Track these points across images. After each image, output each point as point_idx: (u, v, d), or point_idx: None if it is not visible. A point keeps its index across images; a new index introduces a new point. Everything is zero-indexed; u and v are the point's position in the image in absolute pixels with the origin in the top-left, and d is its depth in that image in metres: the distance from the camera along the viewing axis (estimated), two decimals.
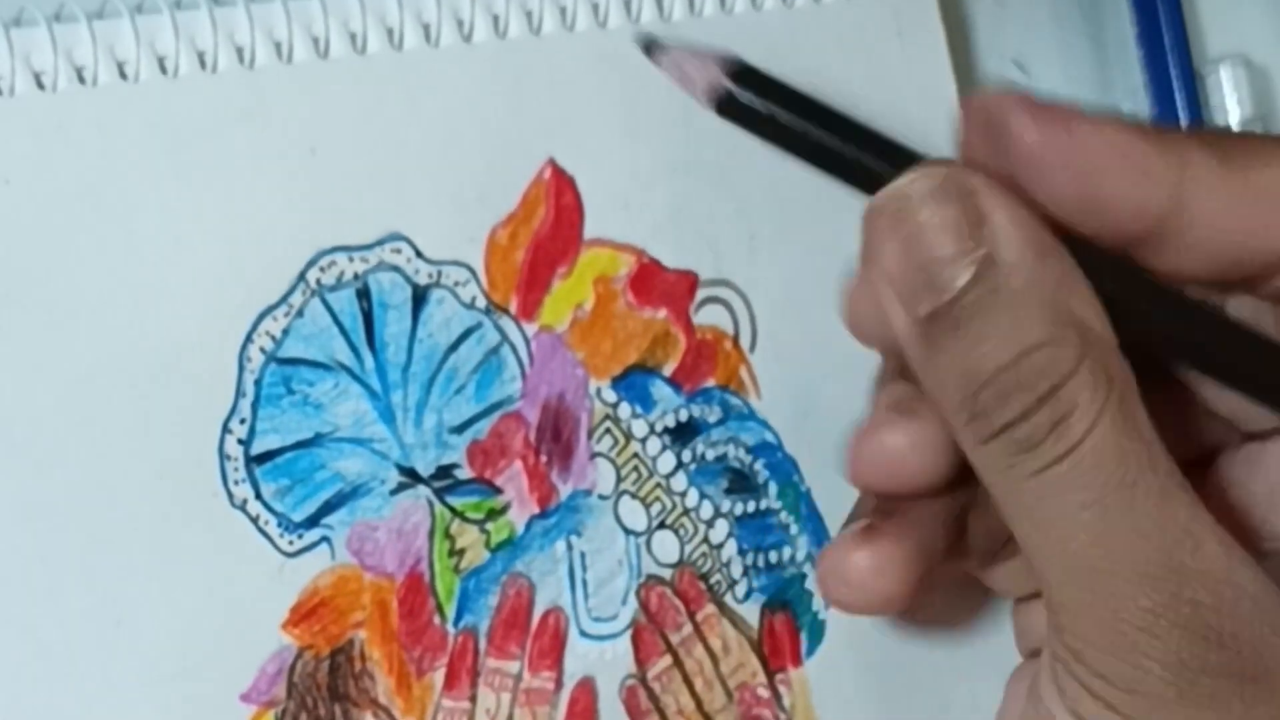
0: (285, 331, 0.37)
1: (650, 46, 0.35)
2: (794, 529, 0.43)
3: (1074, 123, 0.33)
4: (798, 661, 0.42)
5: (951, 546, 0.37)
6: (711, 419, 0.42)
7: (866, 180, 0.34)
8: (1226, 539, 0.31)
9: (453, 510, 0.39)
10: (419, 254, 0.39)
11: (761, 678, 0.42)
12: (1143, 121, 0.37)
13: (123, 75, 0.36)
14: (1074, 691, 0.32)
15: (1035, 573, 0.32)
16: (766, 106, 0.34)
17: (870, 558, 0.36)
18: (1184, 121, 0.48)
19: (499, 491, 0.39)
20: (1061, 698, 0.32)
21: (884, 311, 0.33)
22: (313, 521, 0.37)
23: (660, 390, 0.41)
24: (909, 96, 0.45)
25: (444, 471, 0.38)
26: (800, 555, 0.43)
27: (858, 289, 0.37)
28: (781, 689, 0.42)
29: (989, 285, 0.32)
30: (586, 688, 0.40)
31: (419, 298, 0.39)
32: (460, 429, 0.39)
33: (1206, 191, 0.33)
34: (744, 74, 0.34)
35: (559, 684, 0.39)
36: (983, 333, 0.32)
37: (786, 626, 0.42)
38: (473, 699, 0.38)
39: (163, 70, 0.36)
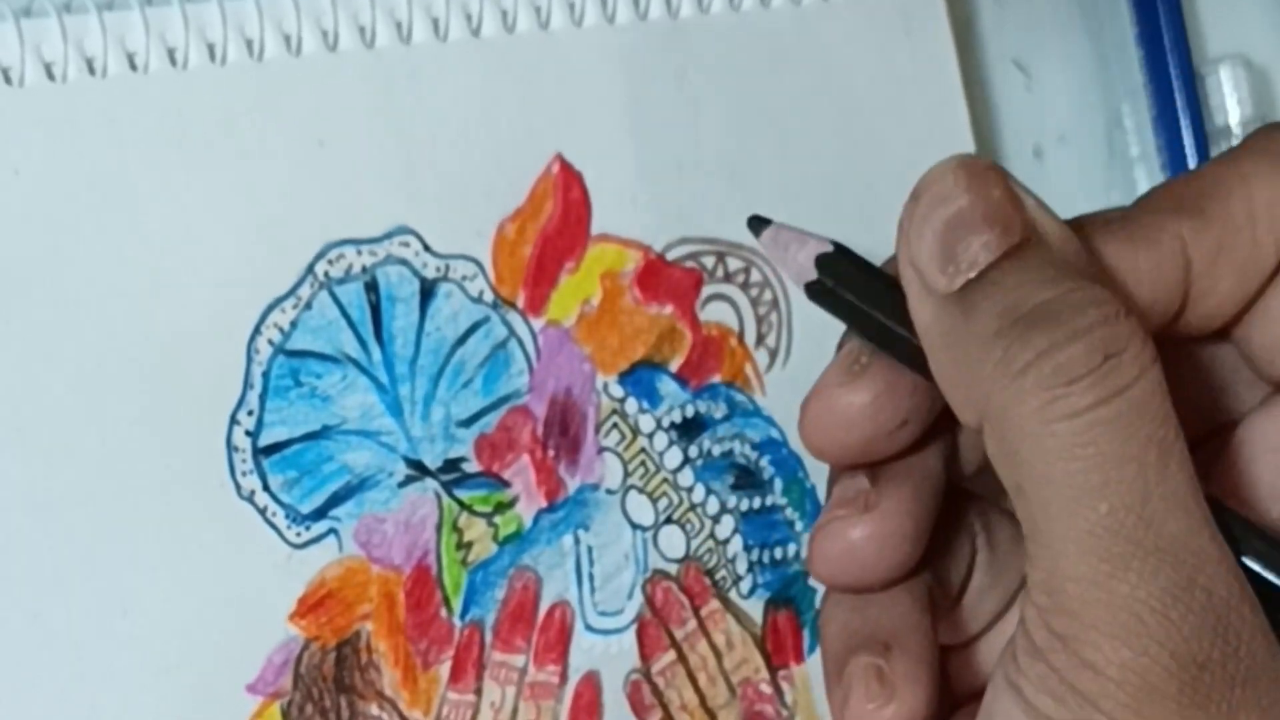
0: (293, 324, 0.37)
1: (756, 223, 0.36)
2: (799, 525, 0.43)
3: None
4: (800, 658, 0.42)
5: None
6: (717, 415, 0.42)
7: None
8: (1225, 549, 0.30)
9: (461, 503, 0.39)
10: (427, 248, 0.39)
11: (764, 674, 0.42)
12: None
13: (132, 66, 0.36)
14: (1047, 687, 0.30)
15: (1036, 546, 0.31)
16: (847, 297, 0.35)
17: (872, 528, 0.35)
18: (1184, 121, 0.48)
19: (507, 485, 0.39)
20: (1023, 698, 0.31)
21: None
22: (320, 513, 0.37)
23: (667, 386, 0.41)
24: (916, 94, 0.45)
25: (452, 464, 0.39)
26: (805, 552, 0.43)
27: (817, 401, 0.37)
28: (784, 685, 0.42)
29: (1028, 248, 0.32)
30: (591, 681, 0.40)
31: (427, 291, 0.39)
32: (468, 422, 0.39)
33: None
34: (832, 261, 0.35)
35: (564, 678, 0.39)
36: (1023, 279, 0.31)
37: (790, 623, 0.43)
38: (478, 692, 0.38)
39: (172, 62, 0.36)
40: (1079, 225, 0.34)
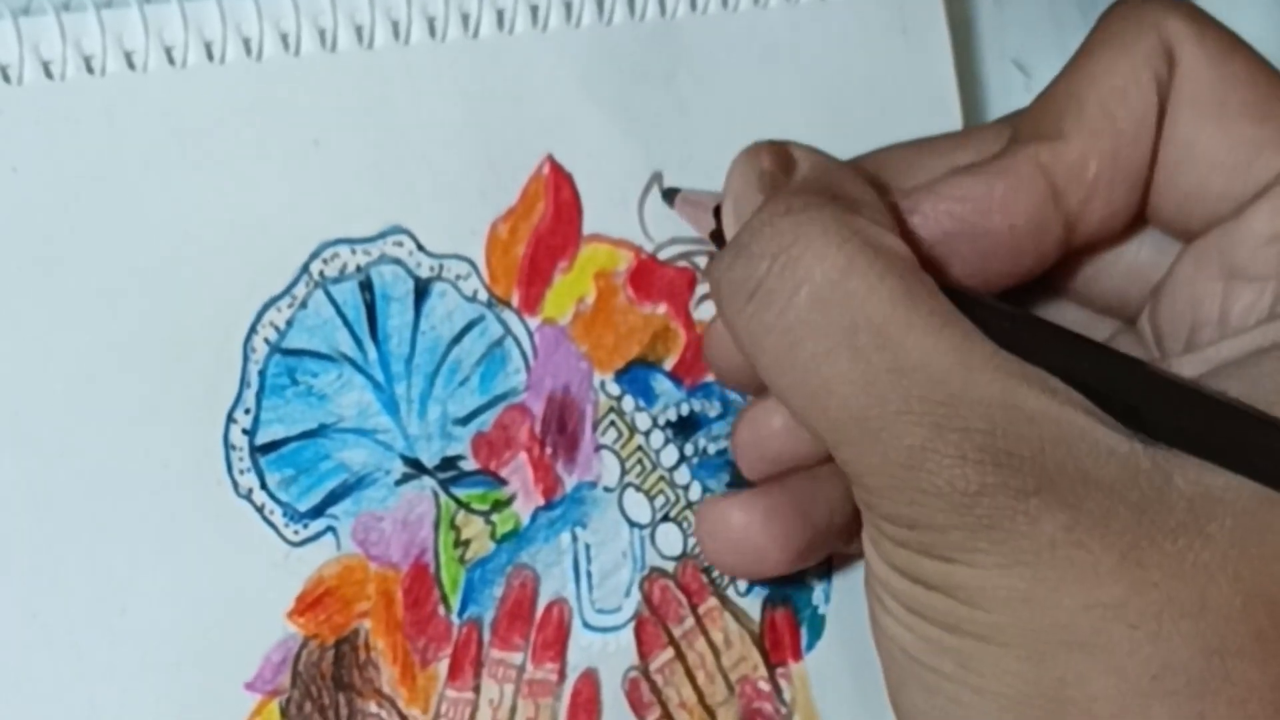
0: (289, 323, 0.37)
1: (669, 194, 0.40)
2: None
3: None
4: (798, 656, 0.43)
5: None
6: (712, 413, 0.42)
7: None
8: (1006, 364, 0.31)
9: (458, 501, 0.39)
10: (420, 247, 0.39)
11: (763, 671, 0.42)
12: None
13: (131, 65, 0.36)
14: (874, 536, 0.33)
15: (813, 437, 0.32)
16: None
17: (747, 516, 0.38)
18: None
19: (504, 483, 0.39)
20: (873, 546, 0.33)
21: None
22: (318, 511, 0.37)
23: (662, 384, 0.42)
24: (912, 94, 0.45)
25: (449, 463, 0.39)
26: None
27: (715, 328, 0.38)
28: (782, 683, 0.42)
29: (772, 196, 0.34)
30: (589, 679, 0.40)
31: (421, 290, 0.39)
32: (464, 421, 0.39)
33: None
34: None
35: (562, 675, 0.39)
36: (749, 221, 0.33)
37: (787, 621, 0.43)
38: (476, 690, 0.38)
39: (170, 61, 0.36)
40: (933, 149, 0.37)
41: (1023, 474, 0.30)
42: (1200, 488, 0.30)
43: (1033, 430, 0.30)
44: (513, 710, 0.39)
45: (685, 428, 0.42)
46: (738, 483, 0.42)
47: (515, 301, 0.40)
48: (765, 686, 0.42)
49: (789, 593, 0.43)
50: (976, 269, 0.35)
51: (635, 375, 0.41)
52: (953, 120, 0.46)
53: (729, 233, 0.35)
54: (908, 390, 0.31)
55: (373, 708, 0.37)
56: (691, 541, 0.41)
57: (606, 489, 0.41)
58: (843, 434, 0.32)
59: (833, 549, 0.41)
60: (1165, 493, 0.30)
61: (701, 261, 0.42)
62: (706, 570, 0.42)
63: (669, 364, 0.42)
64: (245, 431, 0.36)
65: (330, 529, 0.37)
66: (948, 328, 0.31)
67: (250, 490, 0.36)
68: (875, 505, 0.32)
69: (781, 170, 0.35)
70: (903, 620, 0.33)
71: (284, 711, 0.36)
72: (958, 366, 0.31)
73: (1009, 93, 0.49)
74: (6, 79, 0.35)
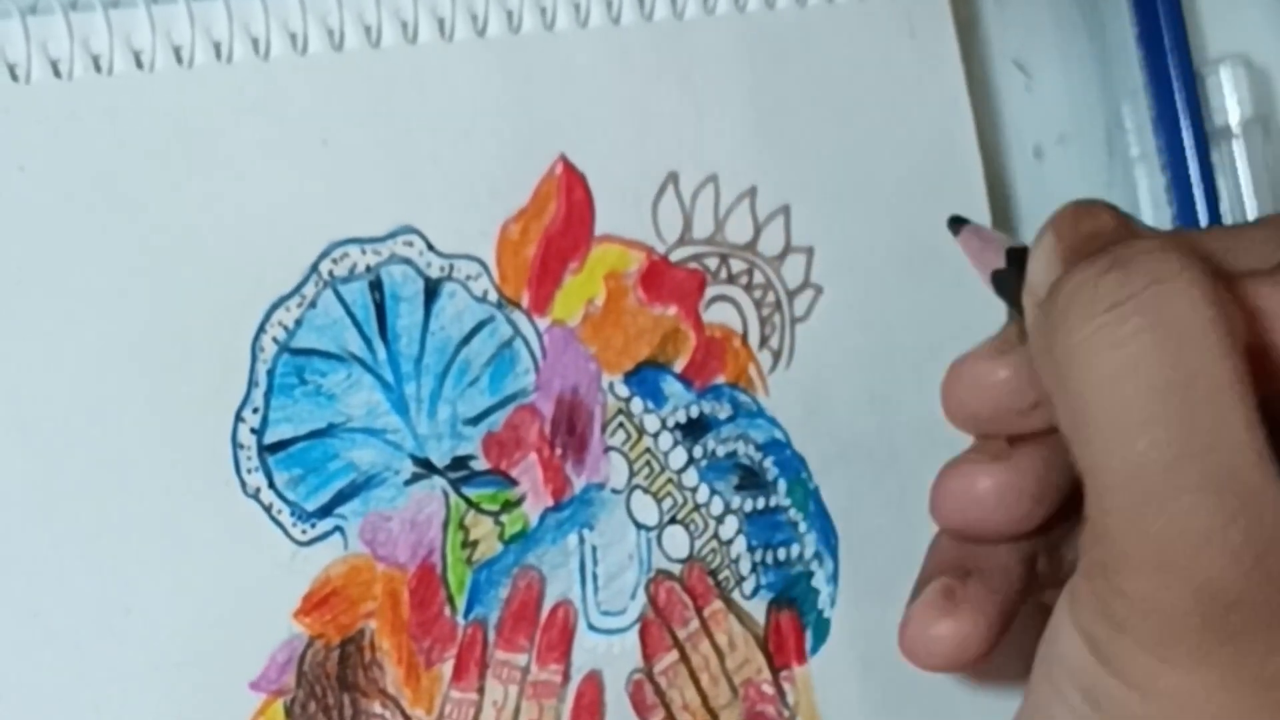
0: (298, 322, 0.37)
1: (955, 222, 0.40)
2: (802, 526, 0.43)
3: None
4: (802, 659, 0.42)
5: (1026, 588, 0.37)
6: (721, 416, 0.42)
7: None
8: None
9: (469, 501, 0.39)
10: (431, 247, 0.39)
11: (766, 674, 0.42)
12: None
13: (138, 64, 0.36)
14: (1090, 607, 0.31)
15: (1088, 478, 0.31)
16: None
17: (954, 629, 0.37)
18: (1184, 122, 0.48)
19: (515, 483, 0.39)
20: (1073, 612, 0.31)
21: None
22: (326, 511, 0.37)
23: (671, 386, 0.41)
24: (921, 96, 0.45)
25: (460, 462, 0.39)
26: (808, 553, 0.43)
27: (960, 365, 0.38)
28: (786, 686, 0.42)
29: None
30: (593, 681, 0.40)
31: (431, 290, 0.39)
32: (474, 421, 0.39)
33: None
34: (1020, 256, 0.37)
35: (566, 677, 0.39)
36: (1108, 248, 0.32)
37: (792, 624, 0.43)
38: (480, 690, 0.38)
39: (178, 60, 0.36)
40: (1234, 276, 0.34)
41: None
42: None
43: None
44: (516, 711, 0.39)
45: (694, 430, 0.42)
46: (744, 486, 0.42)
47: (525, 302, 0.40)
48: (769, 690, 0.42)
49: (794, 596, 0.43)
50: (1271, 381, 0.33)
51: (644, 377, 0.41)
52: (964, 121, 0.45)
53: (1039, 277, 0.34)
54: (1219, 463, 0.30)
55: (377, 708, 0.37)
56: (698, 544, 0.42)
57: (614, 491, 0.40)
58: (1134, 482, 0.30)
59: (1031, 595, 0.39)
60: None
61: (712, 264, 0.42)
62: (713, 573, 0.42)
63: (679, 366, 0.42)
64: (253, 431, 0.36)
65: (338, 529, 0.37)
66: (1260, 428, 0.30)
67: (258, 489, 0.36)
68: (1116, 572, 0.30)
69: (1121, 226, 0.34)
70: (1077, 710, 0.32)
71: (288, 711, 0.36)
72: (1261, 462, 0.30)
73: (1009, 93, 0.49)
74: (14, 78, 0.35)
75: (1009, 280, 0.37)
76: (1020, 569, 0.38)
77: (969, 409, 0.37)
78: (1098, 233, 0.33)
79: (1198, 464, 0.30)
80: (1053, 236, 0.34)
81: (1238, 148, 0.49)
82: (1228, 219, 0.48)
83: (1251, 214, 0.49)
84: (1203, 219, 0.48)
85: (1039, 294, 0.33)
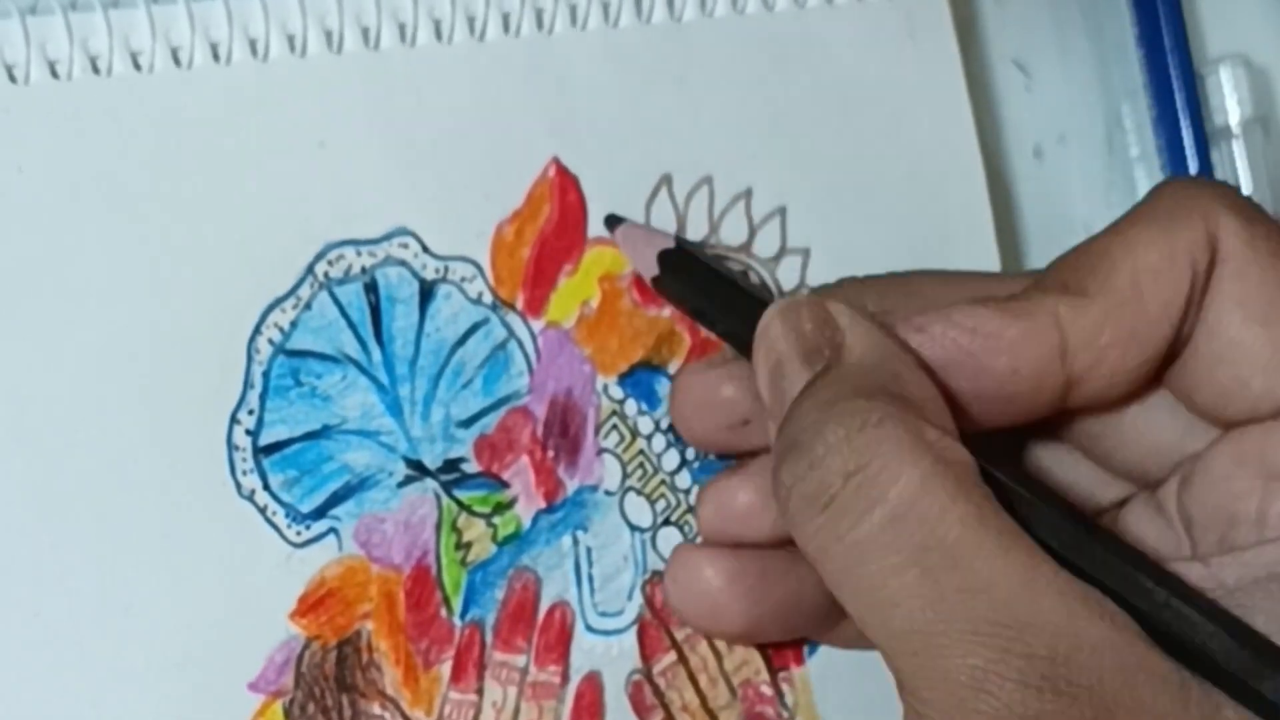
0: (293, 324, 0.37)
1: (610, 221, 0.40)
2: None
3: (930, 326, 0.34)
4: (800, 660, 0.42)
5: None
6: None
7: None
8: (1070, 589, 0.31)
9: (460, 503, 0.39)
10: (426, 249, 0.39)
11: (765, 675, 0.42)
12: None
13: (136, 66, 0.36)
14: None
15: (872, 642, 0.32)
16: (684, 290, 0.39)
17: (712, 571, 0.39)
18: (1184, 121, 0.48)
19: (506, 485, 0.39)
20: None
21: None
22: (320, 513, 0.37)
23: (665, 388, 0.41)
24: (921, 98, 0.45)
25: (451, 465, 0.39)
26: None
27: (675, 380, 0.40)
28: (784, 687, 0.42)
29: (824, 375, 0.33)
30: (592, 682, 0.40)
31: (426, 292, 0.39)
32: (467, 423, 0.39)
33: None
34: (672, 257, 0.39)
35: (565, 678, 0.39)
36: (805, 409, 0.33)
37: None
38: (479, 691, 0.38)
39: (176, 61, 0.36)
40: (958, 289, 0.36)
41: (1080, 703, 0.30)
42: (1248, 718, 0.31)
43: (1093, 659, 0.30)
44: (516, 712, 0.39)
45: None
46: None
47: (520, 304, 0.40)
48: (768, 690, 0.42)
49: None
50: (967, 404, 0.34)
51: (639, 379, 0.41)
52: (964, 122, 0.45)
53: (765, 395, 0.35)
54: (975, 611, 0.30)
55: (377, 709, 0.37)
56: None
57: (608, 492, 0.41)
58: (904, 645, 0.31)
59: (803, 633, 0.41)
60: None
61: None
62: None
63: (673, 368, 0.42)
64: (249, 432, 0.36)
65: (332, 530, 0.37)
66: (1014, 550, 0.31)
67: (253, 491, 0.36)
68: (928, 718, 0.32)
69: (826, 337, 0.34)
70: None
71: (287, 712, 0.36)
72: (1024, 590, 0.31)
73: (1009, 93, 0.49)
74: (13, 78, 0.35)
75: (668, 285, 0.39)
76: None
77: (689, 423, 0.40)
78: (795, 347, 0.35)
79: (955, 618, 0.31)
80: (766, 358, 0.35)
81: (1238, 148, 0.48)
82: None
83: None
84: None
85: (764, 390, 0.35)
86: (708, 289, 0.39)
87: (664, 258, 0.39)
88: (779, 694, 0.42)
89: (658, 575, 0.41)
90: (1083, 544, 0.33)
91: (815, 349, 0.34)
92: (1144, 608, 0.32)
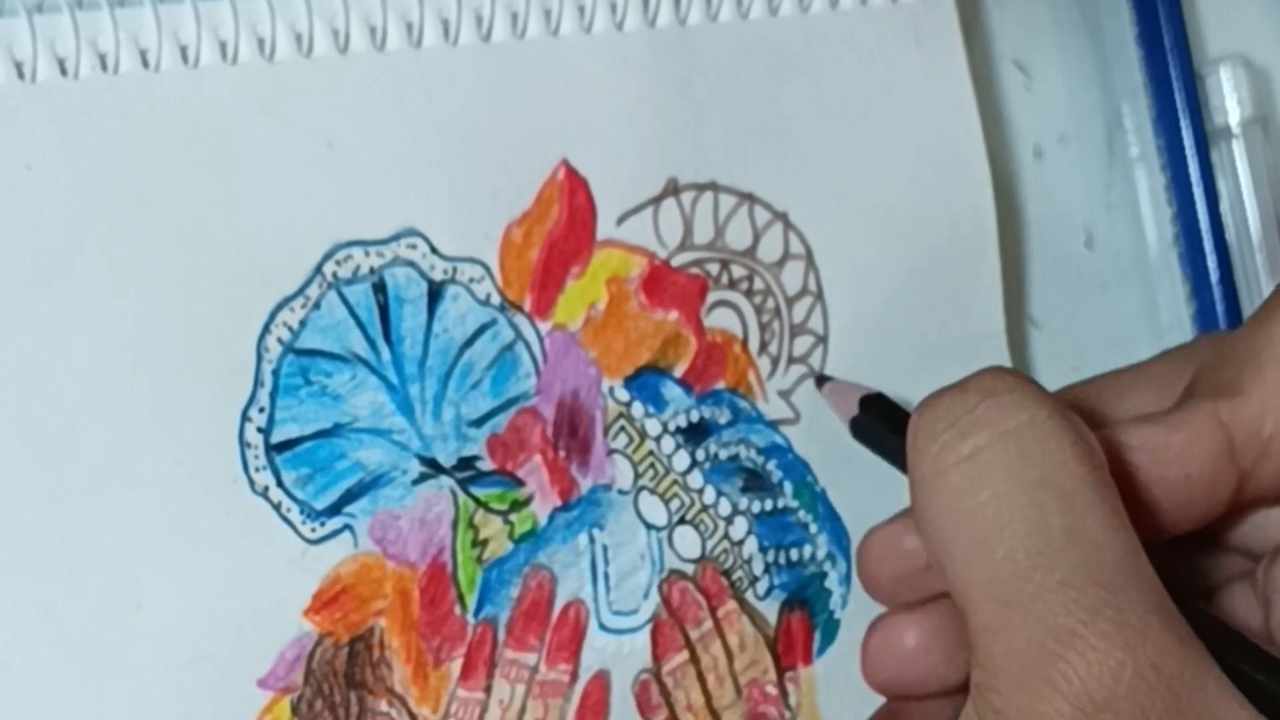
0: (302, 323, 0.37)
1: (820, 380, 0.42)
2: (813, 527, 0.43)
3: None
4: (809, 660, 0.42)
5: None
6: (722, 420, 0.42)
7: None
8: (1165, 591, 0.31)
9: (477, 500, 0.38)
10: (434, 250, 0.39)
11: (772, 675, 0.42)
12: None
13: (144, 64, 0.36)
14: None
15: (959, 603, 0.31)
16: (883, 434, 0.39)
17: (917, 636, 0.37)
18: (1184, 121, 0.48)
19: (522, 483, 0.39)
20: None
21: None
22: (335, 509, 0.37)
23: (671, 391, 0.41)
24: (926, 104, 0.45)
25: (466, 462, 0.38)
26: (821, 553, 0.43)
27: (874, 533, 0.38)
28: (790, 687, 0.42)
29: None
30: (600, 681, 0.40)
31: (434, 293, 0.39)
32: (478, 423, 0.39)
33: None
34: (871, 402, 0.40)
35: (574, 677, 0.39)
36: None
37: (803, 624, 0.42)
38: (488, 690, 0.38)
39: (184, 60, 0.36)
40: (1114, 402, 0.37)
41: (1152, 694, 0.29)
42: None
43: (1179, 651, 0.30)
44: (522, 710, 0.39)
45: (696, 434, 0.42)
46: (750, 488, 0.42)
47: (527, 306, 0.40)
48: (772, 690, 0.42)
49: (807, 596, 0.42)
50: (1148, 514, 0.34)
51: (645, 382, 0.41)
52: (971, 128, 0.46)
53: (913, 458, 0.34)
54: (1077, 562, 0.30)
55: (383, 706, 0.37)
56: (710, 544, 0.41)
57: (621, 491, 0.40)
58: (994, 592, 0.30)
59: None
60: None
61: (713, 269, 0.42)
62: (726, 572, 0.41)
63: (679, 371, 0.42)
64: (260, 430, 0.36)
65: (347, 527, 0.37)
66: (1123, 529, 0.31)
67: (266, 488, 0.36)
68: (991, 690, 0.30)
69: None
70: None
71: (294, 709, 0.36)
72: (1131, 557, 0.30)
73: (1009, 93, 0.49)
74: (21, 76, 0.35)
75: (867, 426, 0.39)
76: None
77: (877, 578, 0.38)
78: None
79: (1056, 565, 0.30)
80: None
81: (1238, 148, 0.49)
82: (1227, 219, 0.48)
83: (1251, 213, 0.49)
84: (1203, 219, 0.48)
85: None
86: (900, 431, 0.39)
87: (865, 402, 0.40)
88: (783, 694, 0.42)
89: (674, 574, 0.41)
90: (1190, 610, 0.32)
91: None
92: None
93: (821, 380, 0.42)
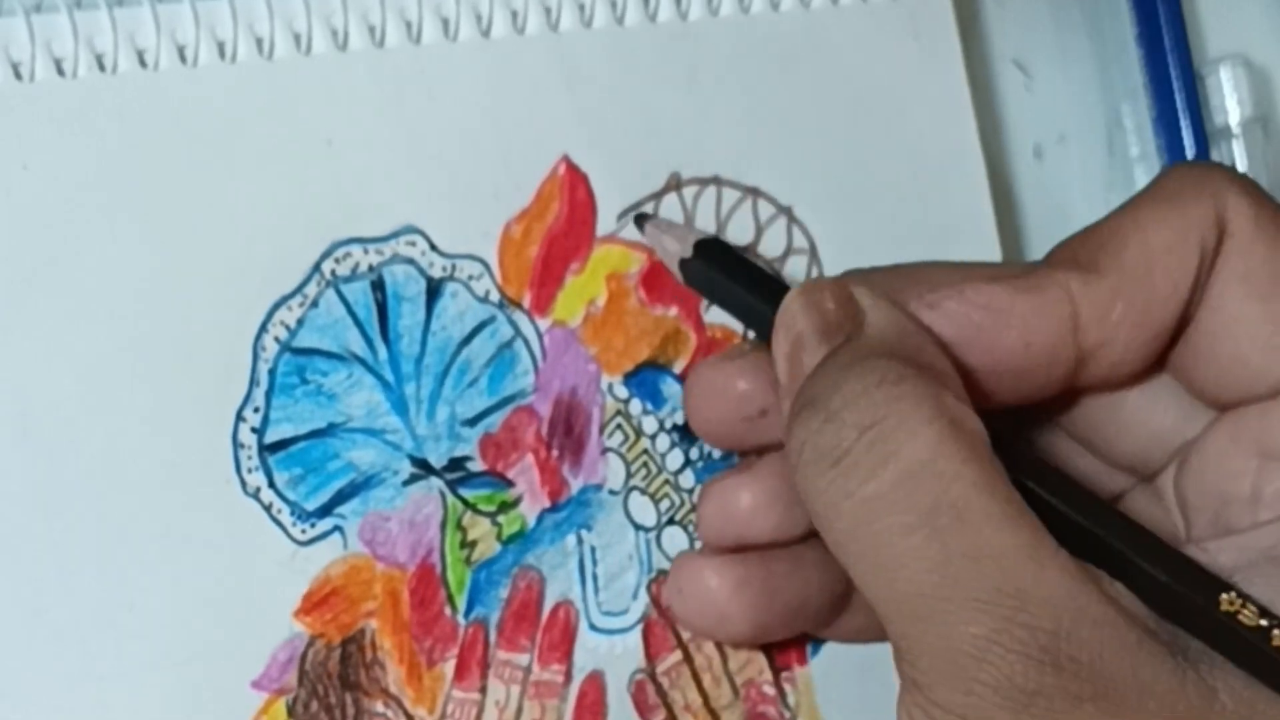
0: (300, 322, 0.37)
1: (640, 219, 0.41)
2: None
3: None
4: (803, 660, 0.42)
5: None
6: None
7: None
8: (1071, 565, 0.31)
9: (465, 502, 0.39)
10: (433, 247, 0.39)
11: (768, 675, 0.42)
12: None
13: (143, 63, 0.36)
14: (918, 716, 0.32)
15: (871, 605, 0.32)
16: (717, 277, 0.39)
17: (719, 580, 0.39)
18: (1184, 121, 0.48)
19: (511, 484, 0.39)
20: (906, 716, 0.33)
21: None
22: (325, 511, 0.37)
23: (670, 388, 0.42)
24: (924, 99, 0.45)
25: (456, 463, 0.39)
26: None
27: (690, 375, 0.39)
28: (787, 687, 0.42)
29: (844, 346, 0.33)
30: (595, 681, 0.40)
31: (433, 290, 0.39)
32: (473, 421, 0.39)
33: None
34: (706, 246, 0.39)
35: (568, 677, 0.40)
36: (823, 372, 0.33)
37: None
38: (483, 690, 0.38)
39: (182, 59, 0.36)
40: (970, 272, 0.36)
41: (1080, 679, 0.30)
42: (1244, 704, 0.31)
43: (1095, 635, 0.30)
44: (519, 711, 0.39)
45: (691, 431, 0.42)
46: None
47: (527, 303, 0.40)
48: (770, 690, 0.42)
49: None
50: (979, 380, 0.35)
51: (644, 378, 0.41)
52: (966, 123, 0.46)
53: (781, 373, 0.35)
54: (981, 578, 0.30)
55: (379, 707, 0.37)
56: (699, 544, 0.41)
57: (611, 492, 0.41)
58: (908, 610, 0.31)
59: (805, 629, 0.41)
60: (1210, 705, 0.30)
61: None
62: None
63: (678, 367, 0.42)
64: (254, 430, 0.36)
65: (337, 528, 0.37)
66: (1021, 521, 0.31)
67: (258, 489, 0.36)
68: (927, 688, 0.31)
69: (847, 315, 0.34)
70: None
71: (290, 710, 0.36)
72: (1030, 562, 0.31)
73: (1009, 93, 0.49)
74: (18, 76, 0.35)
75: (698, 272, 0.39)
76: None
77: (705, 419, 0.39)
78: (816, 325, 0.34)
79: (961, 585, 0.31)
80: (785, 336, 0.35)
81: (1238, 148, 0.49)
82: None
83: None
84: None
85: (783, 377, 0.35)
86: (736, 276, 0.39)
87: (700, 246, 0.39)
88: (781, 694, 0.42)
89: (663, 574, 0.41)
90: (1087, 520, 0.33)
91: (836, 326, 0.34)
92: (1146, 585, 0.32)
93: (642, 219, 0.41)
